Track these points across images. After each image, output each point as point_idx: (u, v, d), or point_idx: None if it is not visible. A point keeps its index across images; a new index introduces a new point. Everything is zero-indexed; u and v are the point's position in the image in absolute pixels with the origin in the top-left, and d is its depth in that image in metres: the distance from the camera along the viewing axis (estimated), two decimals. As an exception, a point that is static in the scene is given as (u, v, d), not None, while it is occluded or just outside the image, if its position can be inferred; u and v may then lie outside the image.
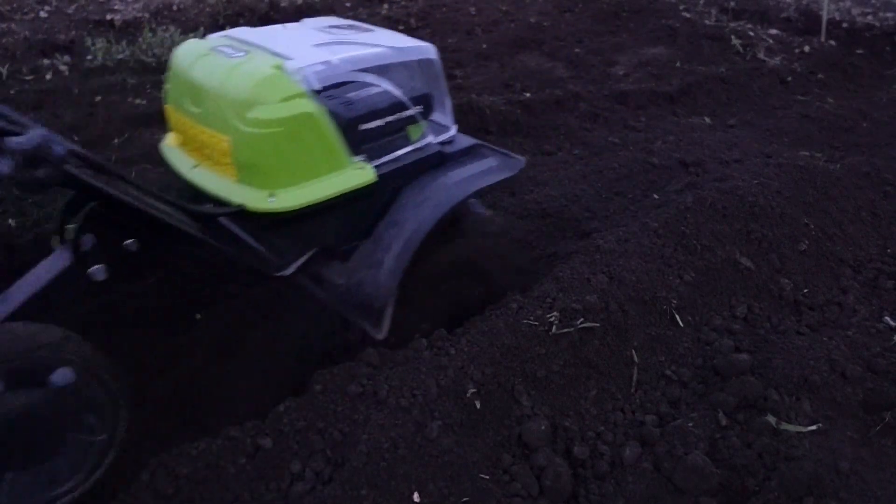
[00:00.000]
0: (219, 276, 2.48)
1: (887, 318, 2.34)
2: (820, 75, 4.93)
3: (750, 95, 4.62)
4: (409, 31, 5.72)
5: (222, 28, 5.85)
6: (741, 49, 5.28)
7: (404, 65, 2.27)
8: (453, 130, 2.42)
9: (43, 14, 6.41)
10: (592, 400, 1.97)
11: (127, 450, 1.92)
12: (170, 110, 2.23)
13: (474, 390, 1.84)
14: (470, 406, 1.81)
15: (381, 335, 2.04)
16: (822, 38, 5.54)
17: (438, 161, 2.30)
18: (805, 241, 2.62)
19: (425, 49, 2.33)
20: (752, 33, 5.59)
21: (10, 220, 2.78)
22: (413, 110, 2.20)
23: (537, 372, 1.94)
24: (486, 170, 2.35)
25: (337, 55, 2.08)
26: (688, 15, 6.15)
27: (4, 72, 4.65)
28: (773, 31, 5.71)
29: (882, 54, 5.35)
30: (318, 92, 1.97)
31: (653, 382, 2.07)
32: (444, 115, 2.43)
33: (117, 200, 1.74)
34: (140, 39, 5.42)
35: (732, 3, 6.42)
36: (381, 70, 2.17)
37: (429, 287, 2.28)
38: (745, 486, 1.74)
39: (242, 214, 1.99)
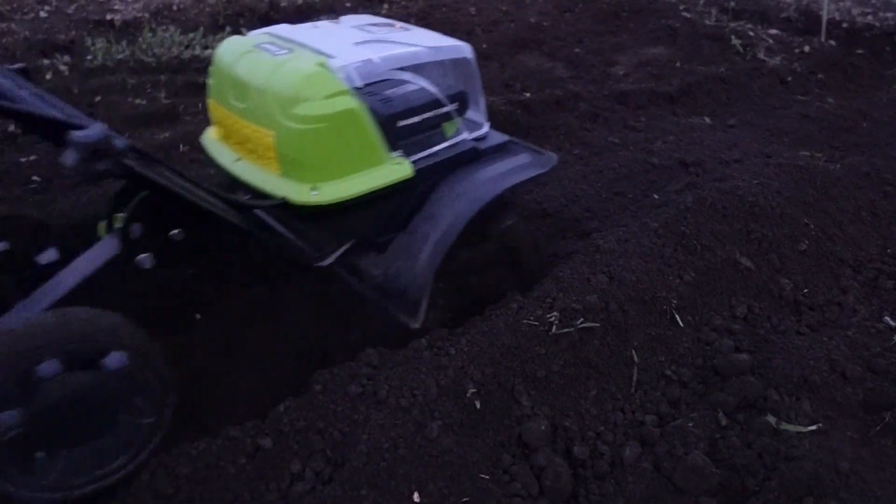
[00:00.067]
0: (219, 276, 2.48)
1: (887, 318, 2.34)
2: (820, 75, 4.93)
3: (750, 95, 4.61)
4: (409, 31, 5.70)
5: (222, 28, 5.86)
6: (741, 49, 5.28)
7: (441, 63, 2.33)
8: (486, 127, 2.46)
9: (43, 14, 6.41)
10: (592, 400, 1.97)
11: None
12: (213, 105, 2.30)
13: (474, 390, 1.84)
14: (470, 406, 1.81)
15: (416, 324, 2.10)
16: (822, 38, 5.54)
17: (472, 157, 2.35)
18: (805, 241, 2.62)
19: (461, 48, 2.39)
20: (752, 33, 5.58)
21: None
22: (449, 107, 2.25)
23: (537, 372, 1.94)
24: (519, 166, 2.40)
25: (377, 53, 2.15)
26: (688, 15, 6.15)
27: (4, 72, 4.64)
28: (773, 31, 5.71)
29: (882, 54, 5.34)
30: (359, 89, 2.04)
31: (653, 382, 2.07)
32: (477, 112, 2.48)
33: (169, 191, 1.83)
34: (140, 39, 5.43)
35: (732, 3, 6.42)
36: (419, 68, 2.23)
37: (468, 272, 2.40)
38: (745, 486, 1.74)
39: (284, 207, 2.04)
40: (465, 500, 1.62)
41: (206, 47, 5.34)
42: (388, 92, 2.15)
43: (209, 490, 1.63)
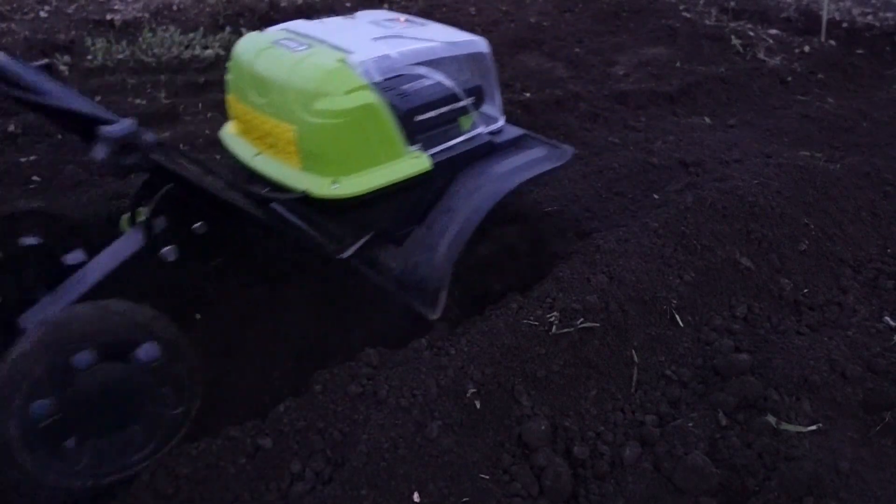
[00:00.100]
0: (219, 276, 2.48)
1: (887, 318, 2.34)
2: (820, 75, 4.93)
3: (750, 95, 4.61)
4: (409, 31, 5.70)
5: (222, 28, 5.86)
6: (741, 49, 5.28)
7: (457, 58, 2.36)
8: (502, 121, 2.50)
9: (43, 14, 6.41)
10: (592, 400, 1.97)
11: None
12: (232, 100, 2.33)
13: (474, 390, 1.84)
14: (470, 406, 1.81)
15: (435, 315, 2.12)
16: (822, 38, 5.54)
17: (488, 151, 2.38)
18: (805, 241, 2.62)
19: (477, 42, 2.43)
20: (752, 33, 5.58)
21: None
22: (465, 102, 2.28)
23: (537, 372, 1.94)
24: (535, 159, 2.44)
25: (395, 49, 2.18)
26: (688, 15, 6.15)
27: (4, 72, 4.64)
28: (773, 31, 5.71)
29: (882, 54, 5.34)
30: (378, 84, 2.07)
31: (653, 382, 2.07)
32: (493, 106, 2.51)
33: (193, 185, 1.87)
34: (140, 39, 5.42)
35: (732, 3, 6.42)
36: (436, 63, 2.26)
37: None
38: (745, 486, 1.74)
39: (305, 200, 2.08)
40: (465, 500, 1.62)
41: (206, 47, 5.34)
42: (406, 87, 2.18)
43: (209, 490, 1.63)
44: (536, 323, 2.04)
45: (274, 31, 2.33)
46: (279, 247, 2.61)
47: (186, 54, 5.19)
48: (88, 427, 1.67)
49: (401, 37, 2.31)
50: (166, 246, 2.01)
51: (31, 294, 2.02)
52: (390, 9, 6.62)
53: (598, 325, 2.07)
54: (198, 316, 2.46)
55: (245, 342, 2.30)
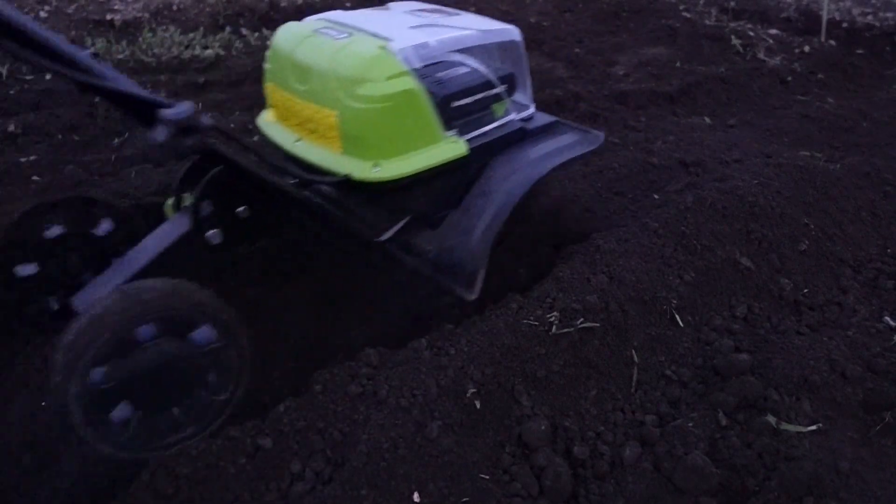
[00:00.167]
0: (219, 276, 2.48)
1: (887, 318, 2.34)
2: (820, 75, 4.93)
3: (750, 95, 4.61)
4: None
5: (222, 28, 5.86)
6: (741, 49, 5.28)
7: (491, 46, 2.42)
8: (532, 108, 2.56)
9: (43, 14, 6.41)
10: (592, 400, 1.97)
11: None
12: (271, 88, 2.39)
13: (474, 390, 1.84)
14: (470, 406, 1.81)
15: (472, 297, 2.16)
16: (822, 38, 5.54)
17: (521, 137, 2.45)
18: (805, 241, 2.62)
19: (510, 31, 2.50)
20: (752, 33, 5.58)
21: (10, 220, 2.78)
22: (499, 89, 2.34)
23: (537, 372, 1.94)
24: (568, 144, 2.50)
25: (434, 37, 2.25)
26: (688, 15, 6.15)
27: (4, 72, 4.64)
28: (773, 31, 5.71)
29: (882, 54, 5.34)
30: (417, 70, 2.13)
31: (653, 382, 2.07)
32: (524, 94, 2.57)
33: (242, 168, 1.93)
34: (140, 39, 5.43)
35: (732, 3, 6.42)
36: (472, 51, 2.33)
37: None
38: (745, 486, 1.74)
39: (344, 185, 2.14)
40: (465, 500, 1.62)
41: (206, 47, 5.34)
42: (444, 73, 2.23)
43: (209, 490, 1.63)
44: (536, 323, 2.04)
45: (312, 21, 2.40)
46: (279, 247, 2.61)
47: (186, 54, 5.19)
48: (138, 401, 1.72)
49: (437, 25, 2.40)
50: (212, 229, 2.08)
51: (77, 279, 2.13)
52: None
53: (598, 325, 2.07)
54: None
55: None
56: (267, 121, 2.46)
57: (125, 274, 1.93)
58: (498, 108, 2.39)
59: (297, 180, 2.21)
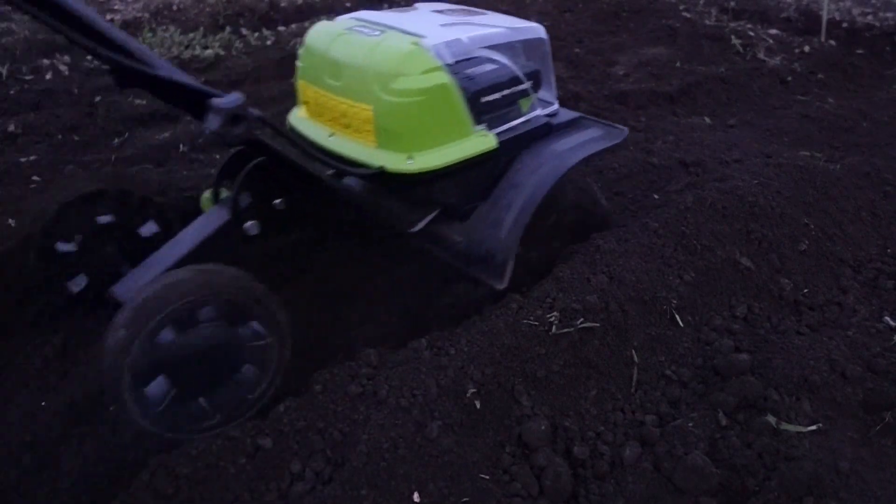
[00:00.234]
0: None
1: (887, 318, 2.34)
2: (820, 75, 4.93)
3: (750, 95, 4.61)
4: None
5: (222, 28, 5.86)
6: (741, 49, 5.28)
7: (519, 43, 2.48)
8: (556, 105, 2.62)
9: (43, 14, 6.40)
10: (592, 400, 1.97)
11: (127, 450, 1.93)
12: (303, 85, 2.45)
13: (474, 390, 1.84)
14: (470, 406, 1.81)
15: (502, 286, 2.22)
16: (822, 38, 5.54)
17: (547, 131, 2.50)
18: (805, 241, 2.62)
19: (537, 29, 2.55)
20: (752, 33, 5.58)
21: (10, 220, 2.78)
22: (526, 85, 2.39)
23: (537, 372, 1.94)
24: (592, 138, 2.56)
25: (465, 34, 2.32)
26: (688, 15, 6.15)
27: (4, 72, 4.65)
28: (773, 31, 5.71)
29: (882, 54, 5.34)
30: (450, 66, 2.19)
31: (653, 382, 2.07)
32: (549, 90, 2.62)
33: (286, 160, 2.00)
34: (140, 39, 5.42)
35: (732, 3, 6.42)
36: (501, 47, 2.38)
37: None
38: (745, 486, 1.74)
39: (377, 177, 2.21)
40: (465, 500, 1.62)
41: (206, 47, 5.34)
42: (475, 69, 2.28)
43: (209, 490, 1.63)
44: (536, 323, 2.04)
45: (344, 20, 2.46)
46: (279, 248, 2.62)
47: (186, 54, 5.20)
48: (182, 381, 1.79)
49: (467, 23, 2.44)
50: (249, 221, 2.13)
51: (113, 269, 2.23)
52: (390, 8, 6.62)
53: (598, 325, 2.07)
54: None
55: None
56: (299, 117, 2.52)
57: (165, 263, 1.98)
58: (524, 103, 2.45)
59: (333, 171, 2.27)
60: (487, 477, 1.69)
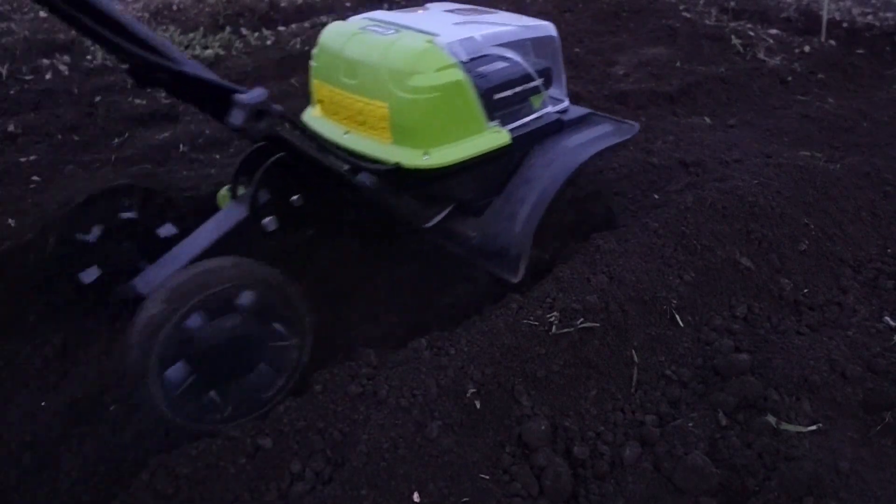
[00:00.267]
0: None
1: (887, 318, 2.34)
2: (820, 75, 4.92)
3: (750, 95, 4.61)
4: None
5: (222, 28, 5.86)
6: (741, 49, 5.28)
7: (530, 41, 2.53)
8: (567, 102, 2.68)
9: (43, 14, 6.41)
10: (592, 400, 1.97)
11: (127, 450, 1.93)
12: (318, 84, 2.50)
13: (474, 390, 1.84)
14: (470, 406, 1.81)
15: (517, 279, 2.25)
16: (822, 38, 5.54)
17: (558, 128, 2.55)
18: (805, 241, 2.62)
19: (547, 27, 2.61)
20: (752, 33, 5.58)
21: (10, 220, 2.78)
22: (537, 82, 2.43)
23: (537, 372, 1.94)
24: (603, 134, 2.61)
25: (478, 32, 2.37)
26: (688, 15, 6.15)
27: (4, 72, 4.64)
28: (773, 31, 5.70)
29: (882, 54, 5.34)
30: (464, 63, 2.24)
31: (653, 382, 2.07)
32: (560, 87, 2.68)
33: (306, 155, 2.03)
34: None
35: (732, 3, 6.42)
36: (513, 45, 2.44)
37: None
38: (745, 486, 1.74)
39: (393, 174, 2.25)
40: (465, 500, 1.62)
41: (205, 47, 5.34)
42: (488, 66, 2.33)
43: (209, 490, 1.63)
44: (536, 323, 2.04)
45: (357, 20, 2.50)
46: (279, 247, 2.62)
47: (186, 54, 5.19)
48: (211, 371, 1.82)
49: (479, 22, 2.49)
50: (268, 217, 2.17)
51: (132, 264, 2.26)
52: (390, 8, 6.62)
53: (598, 325, 2.07)
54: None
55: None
56: (313, 115, 2.56)
57: (185, 258, 2.01)
58: (536, 100, 2.49)
59: (348, 168, 2.29)
60: (487, 477, 1.69)
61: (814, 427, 1.85)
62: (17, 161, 3.43)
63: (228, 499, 1.63)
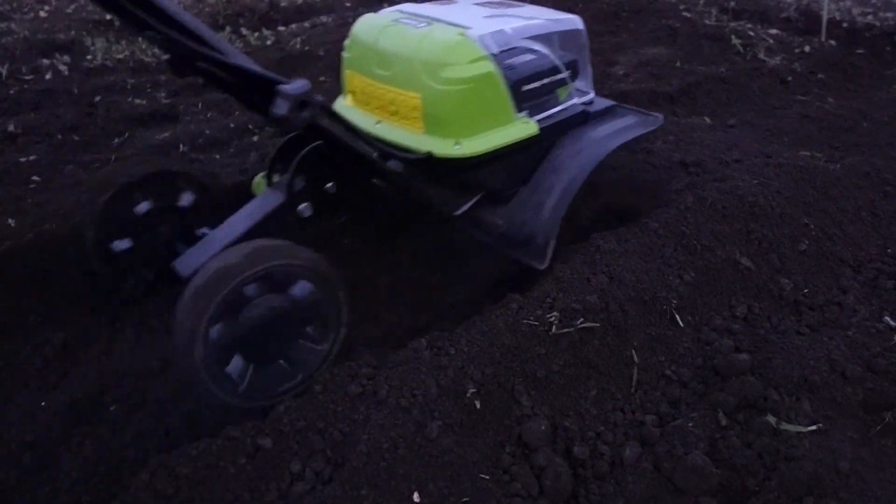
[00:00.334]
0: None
1: (887, 318, 2.34)
2: (820, 75, 4.92)
3: (750, 95, 4.61)
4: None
5: (223, 28, 5.86)
6: (741, 49, 5.28)
7: (558, 34, 2.57)
8: (592, 94, 2.73)
9: (43, 14, 6.41)
10: (592, 400, 1.97)
11: (127, 450, 1.93)
12: (350, 75, 2.56)
13: (474, 390, 1.84)
14: (470, 406, 1.81)
15: (543, 266, 2.31)
16: (822, 38, 5.53)
17: (584, 119, 2.62)
18: (805, 241, 2.62)
19: (575, 20, 2.65)
20: (752, 33, 5.58)
21: (10, 220, 2.78)
22: (564, 74, 2.50)
23: (537, 372, 1.94)
24: (629, 125, 2.66)
25: (508, 25, 2.41)
26: (688, 15, 6.14)
27: (4, 72, 4.64)
28: (773, 31, 5.70)
29: (882, 54, 5.34)
30: (495, 55, 2.29)
31: (653, 382, 2.07)
32: (586, 80, 2.73)
33: (344, 145, 2.08)
34: (140, 39, 5.42)
35: (732, 3, 6.41)
36: (542, 38, 2.48)
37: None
38: (745, 486, 1.74)
39: (424, 162, 2.30)
40: (465, 500, 1.62)
41: (206, 47, 5.33)
42: (517, 59, 2.38)
43: (209, 490, 1.63)
44: (536, 323, 2.04)
45: (389, 12, 2.57)
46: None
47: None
48: (254, 348, 1.90)
49: (508, 15, 2.54)
50: (303, 203, 2.24)
51: (169, 248, 2.33)
52: (390, 6, 6.62)
53: (598, 325, 2.07)
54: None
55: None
56: (345, 105, 2.60)
57: (223, 241, 2.07)
58: (562, 91, 2.54)
59: (380, 156, 2.32)
60: (487, 477, 1.69)
61: (814, 427, 1.85)
62: (17, 161, 3.43)
63: (228, 499, 1.63)
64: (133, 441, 1.95)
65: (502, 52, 2.32)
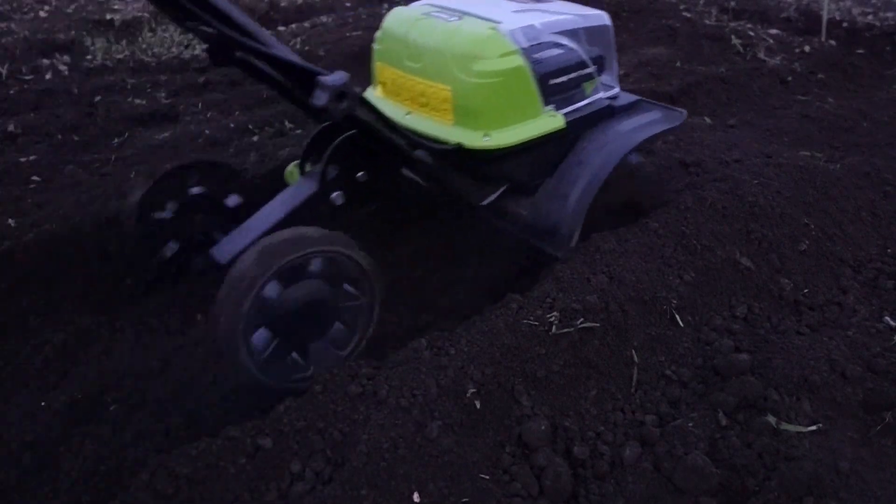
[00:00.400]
0: (220, 277, 2.48)
1: (887, 318, 2.34)
2: (820, 75, 4.92)
3: (750, 95, 4.61)
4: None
5: (222, 28, 5.85)
6: (741, 49, 5.28)
7: (586, 29, 2.61)
8: (618, 89, 2.77)
9: (42, 14, 6.41)
10: (592, 400, 1.97)
11: (127, 450, 1.93)
12: (381, 67, 2.62)
13: (474, 390, 1.84)
14: (470, 406, 1.81)
15: (567, 255, 2.36)
16: (822, 38, 5.53)
17: (609, 114, 2.64)
18: (805, 241, 2.62)
19: (602, 16, 2.70)
20: (752, 33, 5.58)
21: (10, 220, 2.79)
22: (591, 69, 2.54)
23: (537, 372, 1.94)
24: (653, 120, 2.69)
25: (537, 20, 2.45)
26: (688, 15, 6.15)
27: (4, 72, 4.64)
28: (773, 31, 5.70)
29: (882, 54, 5.34)
30: (524, 49, 2.33)
31: (653, 382, 2.07)
32: (611, 75, 2.77)
33: (378, 135, 2.13)
34: (140, 39, 5.42)
35: (732, 3, 6.42)
36: (570, 33, 2.52)
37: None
38: (745, 486, 1.74)
39: (453, 153, 2.34)
40: (465, 500, 1.62)
41: (206, 47, 5.33)
42: (546, 53, 2.42)
43: (209, 490, 1.63)
44: (536, 323, 2.04)
45: (420, 6, 2.60)
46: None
47: (186, 54, 5.20)
48: (291, 330, 1.99)
49: (537, 10, 2.58)
50: (336, 192, 2.28)
51: (205, 236, 2.42)
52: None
53: (598, 325, 2.07)
54: (199, 316, 2.46)
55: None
56: (375, 96, 2.64)
57: (258, 230, 2.11)
58: (588, 86, 2.58)
59: (411, 146, 2.36)
60: (487, 477, 1.69)
61: (814, 427, 1.85)
62: (17, 161, 3.43)
63: (228, 499, 1.63)
64: (133, 441, 1.95)
65: (532, 46, 2.35)
